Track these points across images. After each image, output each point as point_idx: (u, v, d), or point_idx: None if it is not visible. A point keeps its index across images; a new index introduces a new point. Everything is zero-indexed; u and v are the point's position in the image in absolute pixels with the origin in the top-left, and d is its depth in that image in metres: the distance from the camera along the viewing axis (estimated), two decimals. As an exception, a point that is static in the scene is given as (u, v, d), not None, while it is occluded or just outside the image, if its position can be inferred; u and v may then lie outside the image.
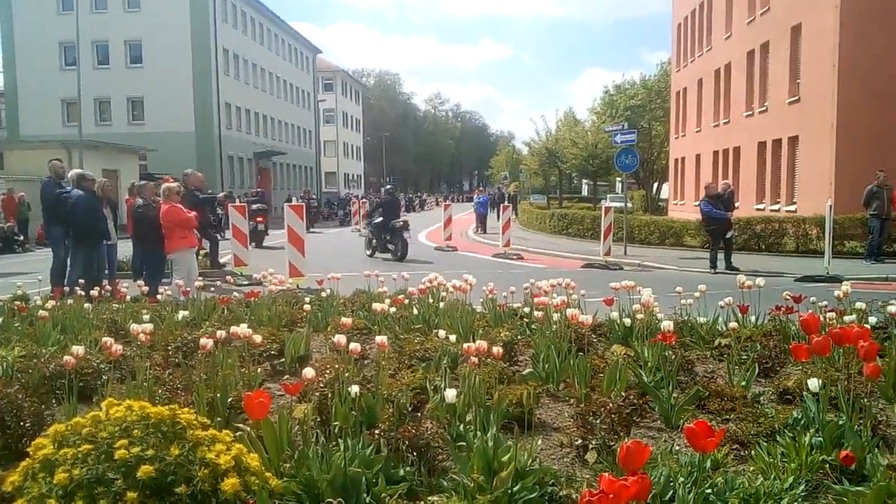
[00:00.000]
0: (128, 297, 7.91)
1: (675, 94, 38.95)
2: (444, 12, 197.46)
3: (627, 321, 5.74)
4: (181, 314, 6.25)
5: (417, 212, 54.51)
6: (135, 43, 41.21)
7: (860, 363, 3.59)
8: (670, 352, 4.75)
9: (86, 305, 6.96)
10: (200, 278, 9.14)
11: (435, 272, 7.82)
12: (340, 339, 3.94)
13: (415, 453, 3.19)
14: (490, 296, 7.06)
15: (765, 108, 26.29)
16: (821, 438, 3.33)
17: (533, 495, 2.87)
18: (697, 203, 16.91)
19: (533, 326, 6.08)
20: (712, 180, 21.15)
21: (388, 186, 22.67)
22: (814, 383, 3.59)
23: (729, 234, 14.65)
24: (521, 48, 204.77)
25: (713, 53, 32.34)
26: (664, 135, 43.23)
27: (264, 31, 51.37)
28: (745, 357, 5.04)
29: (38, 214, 13.61)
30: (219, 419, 3.69)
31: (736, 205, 16.93)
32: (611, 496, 1.85)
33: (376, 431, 3.34)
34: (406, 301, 6.95)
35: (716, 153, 31.38)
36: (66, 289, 8.49)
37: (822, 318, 5.23)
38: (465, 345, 3.95)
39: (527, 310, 6.63)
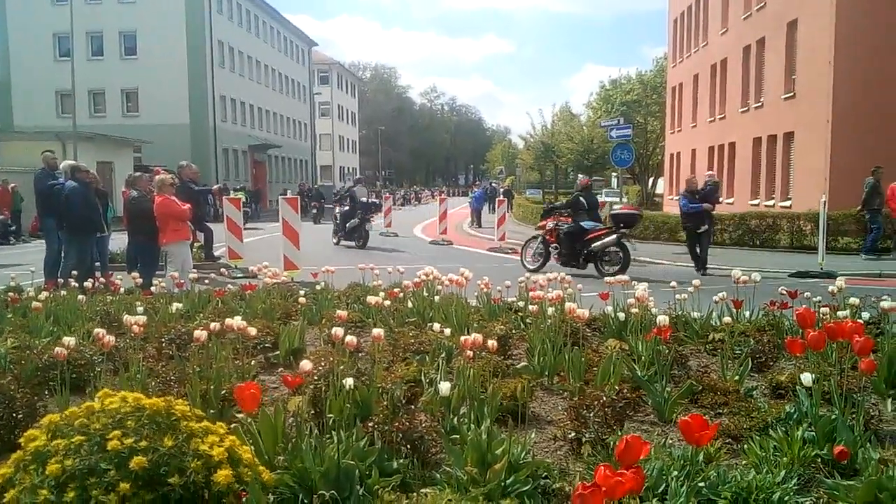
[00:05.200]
0: (122, 289, 7.88)
1: (671, 89, 38.95)
2: (446, 6, 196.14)
3: (622, 315, 5.75)
4: (175, 306, 6.23)
5: (413, 205, 54.56)
6: (129, 34, 41.01)
7: (853, 358, 3.60)
8: (664, 346, 4.76)
9: (79, 297, 6.93)
10: (195, 270, 9.12)
11: (430, 266, 7.83)
12: (336, 331, 3.92)
13: (408, 446, 3.19)
14: (485, 290, 7.05)
15: (760, 104, 26.31)
16: (813, 433, 3.33)
17: (526, 488, 2.87)
18: (675, 198, 16.75)
19: (528, 320, 6.09)
20: (692, 174, 20.80)
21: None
22: (807, 378, 3.60)
23: (702, 229, 12.86)
24: (523, 43, 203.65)
25: (709, 49, 32.33)
26: (660, 130, 43.25)
27: (259, 23, 51.13)
28: (738, 352, 5.05)
29: (32, 206, 13.53)
30: (212, 411, 3.69)
31: (720, 198, 16.63)
32: (604, 489, 1.85)
33: (370, 424, 3.34)
34: (401, 294, 6.94)
35: (711, 148, 31.41)
36: (60, 280, 8.46)
37: (816, 314, 5.23)
38: (461, 338, 3.94)
39: (522, 304, 6.64)
